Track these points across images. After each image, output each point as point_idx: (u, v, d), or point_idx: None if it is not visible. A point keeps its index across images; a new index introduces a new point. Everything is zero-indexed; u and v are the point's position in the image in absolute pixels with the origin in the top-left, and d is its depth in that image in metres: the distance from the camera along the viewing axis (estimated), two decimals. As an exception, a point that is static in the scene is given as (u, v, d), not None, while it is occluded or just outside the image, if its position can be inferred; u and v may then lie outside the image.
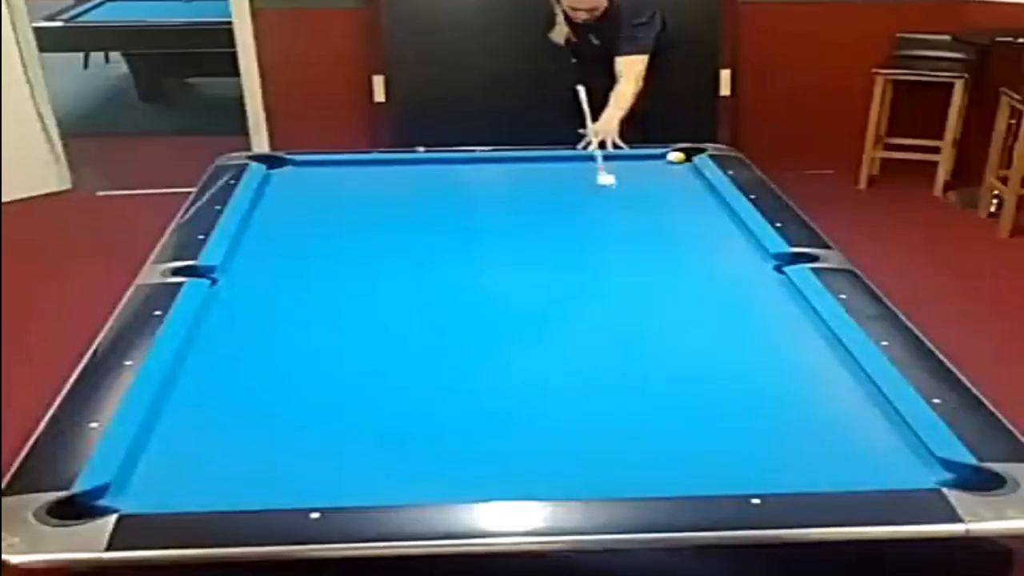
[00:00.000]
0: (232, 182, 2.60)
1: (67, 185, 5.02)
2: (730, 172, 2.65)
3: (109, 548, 1.20)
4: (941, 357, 1.68)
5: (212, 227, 2.27)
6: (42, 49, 4.98)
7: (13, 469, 1.37)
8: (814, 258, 2.07)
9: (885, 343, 1.71)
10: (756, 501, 1.28)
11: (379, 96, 4.62)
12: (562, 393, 1.64)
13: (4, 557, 1.19)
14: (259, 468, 1.41)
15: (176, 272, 2.03)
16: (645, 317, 1.93)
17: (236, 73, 4.84)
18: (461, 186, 2.76)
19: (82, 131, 5.60)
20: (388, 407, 1.60)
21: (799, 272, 2.01)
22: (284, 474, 1.40)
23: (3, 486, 1.32)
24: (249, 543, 1.24)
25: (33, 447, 1.42)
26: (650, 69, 3.43)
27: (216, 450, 1.47)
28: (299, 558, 1.23)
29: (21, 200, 4.72)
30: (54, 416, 1.51)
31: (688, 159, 2.83)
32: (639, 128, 3.25)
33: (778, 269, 2.07)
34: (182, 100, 6.92)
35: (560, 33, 3.67)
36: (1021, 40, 4.31)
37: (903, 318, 1.82)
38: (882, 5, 4.76)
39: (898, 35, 4.79)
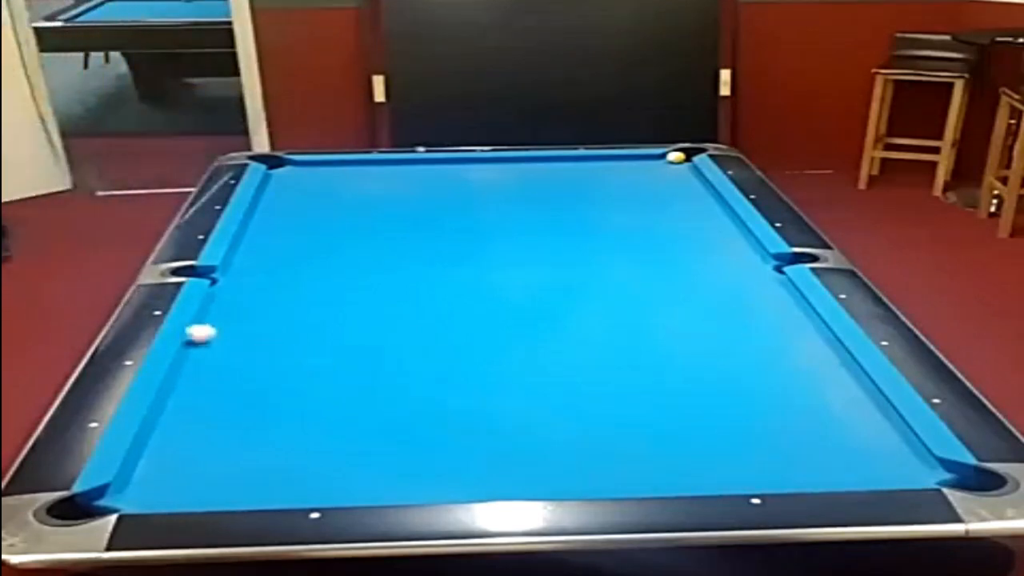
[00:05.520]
0: (232, 182, 2.60)
1: (67, 185, 5.02)
2: (730, 172, 2.64)
3: (109, 548, 1.20)
4: (941, 357, 1.67)
5: (212, 227, 2.26)
6: (42, 49, 4.98)
7: (13, 469, 1.37)
8: (814, 258, 2.07)
9: (885, 343, 1.71)
10: (756, 501, 1.28)
11: (379, 96, 4.63)
12: (563, 393, 1.64)
13: (4, 557, 1.19)
14: (259, 468, 1.41)
15: (176, 272, 2.03)
16: (645, 317, 1.93)
17: (236, 73, 4.85)
18: (461, 186, 2.76)
19: (82, 131, 5.61)
20: (389, 407, 1.60)
21: (799, 272, 2.01)
22: (284, 474, 1.40)
23: (3, 486, 1.32)
24: (249, 543, 1.23)
25: (33, 447, 1.42)
26: None
27: (216, 450, 1.47)
28: (299, 558, 1.23)
29: (21, 200, 4.73)
30: (54, 416, 1.50)
31: (688, 159, 2.83)
32: None
33: (778, 269, 2.07)
34: (182, 100, 6.92)
35: None
36: (1021, 40, 4.31)
37: (903, 318, 1.82)
38: (882, 5, 4.76)
39: (898, 35, 4.79)
